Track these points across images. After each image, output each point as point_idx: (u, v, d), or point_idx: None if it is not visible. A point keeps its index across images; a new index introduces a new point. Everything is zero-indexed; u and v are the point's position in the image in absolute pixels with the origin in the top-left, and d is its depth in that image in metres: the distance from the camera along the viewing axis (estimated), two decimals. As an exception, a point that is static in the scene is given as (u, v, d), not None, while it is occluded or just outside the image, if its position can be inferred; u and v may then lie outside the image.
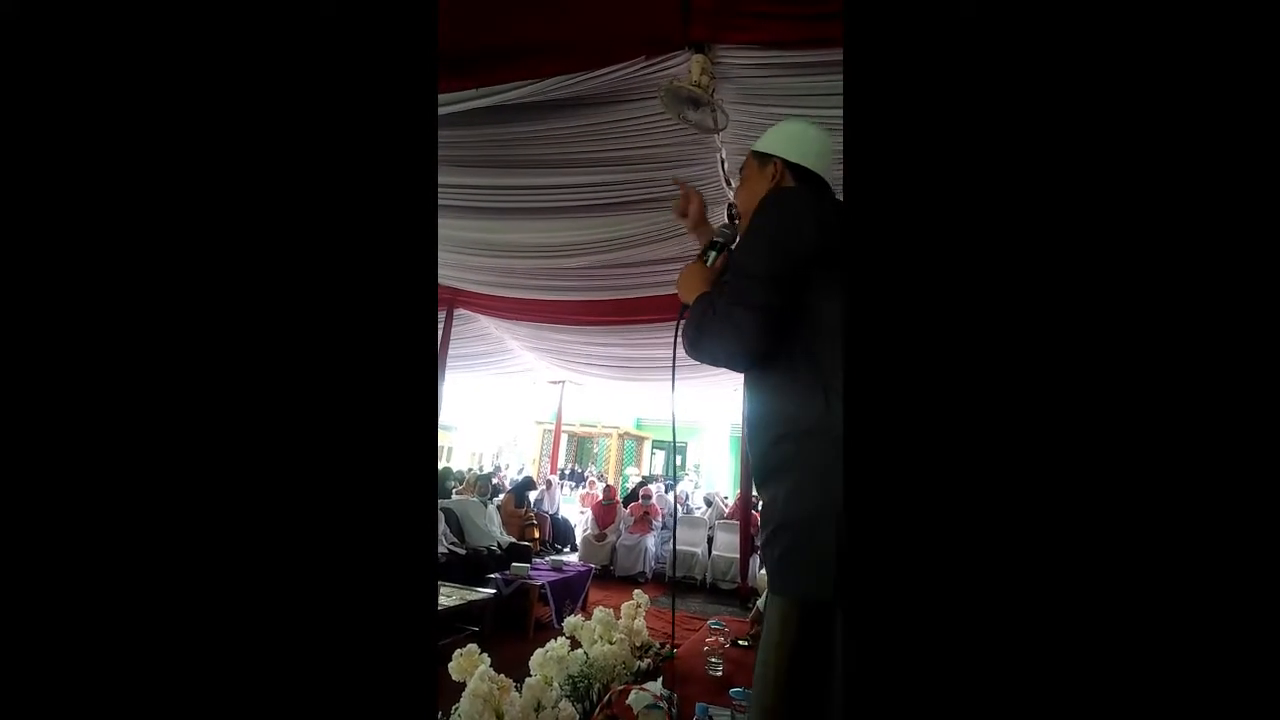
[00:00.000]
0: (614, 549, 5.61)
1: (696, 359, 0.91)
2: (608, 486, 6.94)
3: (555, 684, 1.61)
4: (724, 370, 0.99)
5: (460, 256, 3.35)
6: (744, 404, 0.96)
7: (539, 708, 1.46)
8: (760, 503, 0.94)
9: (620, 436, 12.80)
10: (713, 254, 1.04)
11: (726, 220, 1.09)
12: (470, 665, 1.38)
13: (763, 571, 0.93)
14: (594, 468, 13.42)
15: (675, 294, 1.09)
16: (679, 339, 0.95)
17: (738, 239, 0.98)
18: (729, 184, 2.36)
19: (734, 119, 1.86)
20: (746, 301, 0.84)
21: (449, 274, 3.80)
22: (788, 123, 1.06)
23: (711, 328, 0.86)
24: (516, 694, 1.43)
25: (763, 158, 1.04)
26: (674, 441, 1.15)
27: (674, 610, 1.18)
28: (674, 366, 1.10)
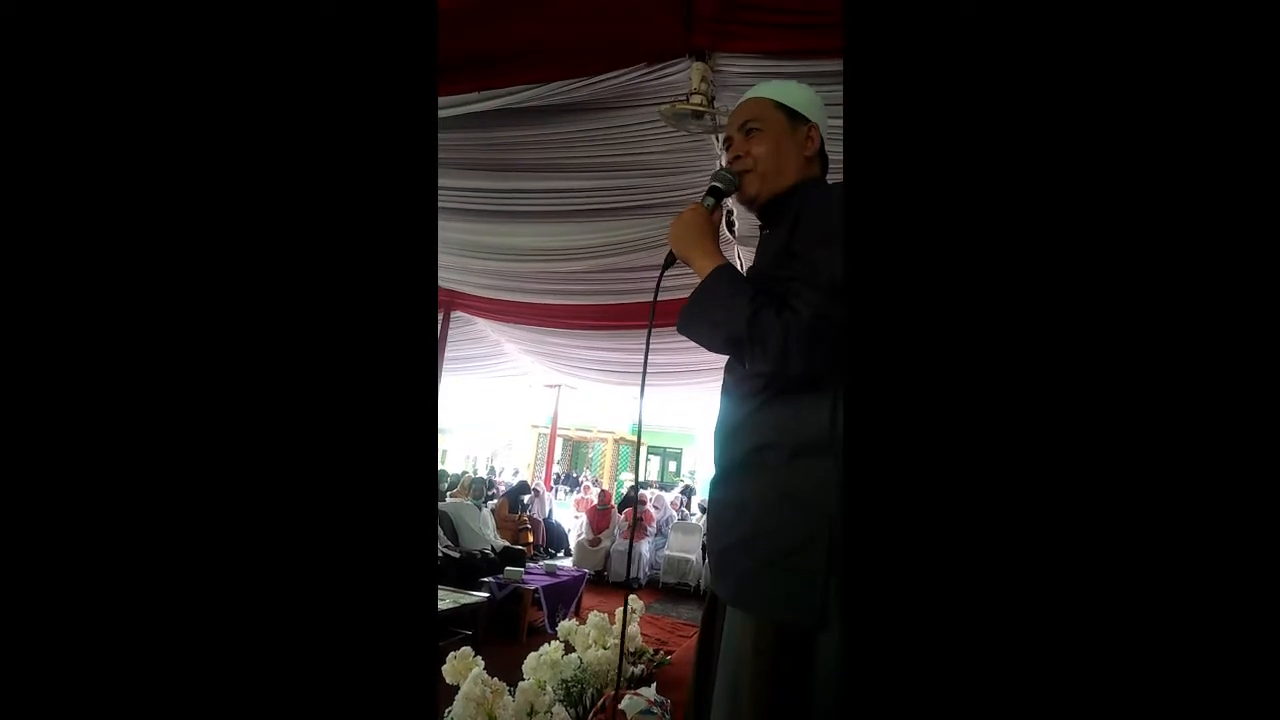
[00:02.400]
0: (608, 554, 5.59)
1: (718, 352, 0.79)
2: (603, 491, 6.92)
3: (549, 688, 1.61)
4: (717, 369, 0.93)
5: (458, 259, 3.35)
6: (725, 397, 0.86)
7: (532, 712, 1.46)
8: (714, 500, 0.84)
9: (616, 441, 12.77)
10: (711, 201, 0.88)
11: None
12: (464, 668, 1.37)
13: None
14: (589, 472, 13.39)
15: (674, 300, 1.00)
16: (680, 320, 0.81)
17: (805, 226, 0.78)
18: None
19: (734, 126, 1.87)
20: (830, 313, 0.69)
21: (447, 276, 3.80)
22: (804, 85, 0.91)
23: (775, 335, 0.70)
24: (509, 698, 1.43)
25: (794, 116, 0.87)
26: (640, 424, 1.03)
27: (624, 620, 1.15)
28: (647, 345, 0.99)
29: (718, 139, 2.03)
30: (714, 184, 0.89)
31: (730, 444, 0.82)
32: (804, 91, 0.90)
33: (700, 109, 1.62)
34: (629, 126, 2.04)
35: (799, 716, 0.69)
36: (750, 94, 0.92)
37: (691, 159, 2.24)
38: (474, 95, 1.78)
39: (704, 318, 0.78)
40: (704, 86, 1.66)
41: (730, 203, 0.96)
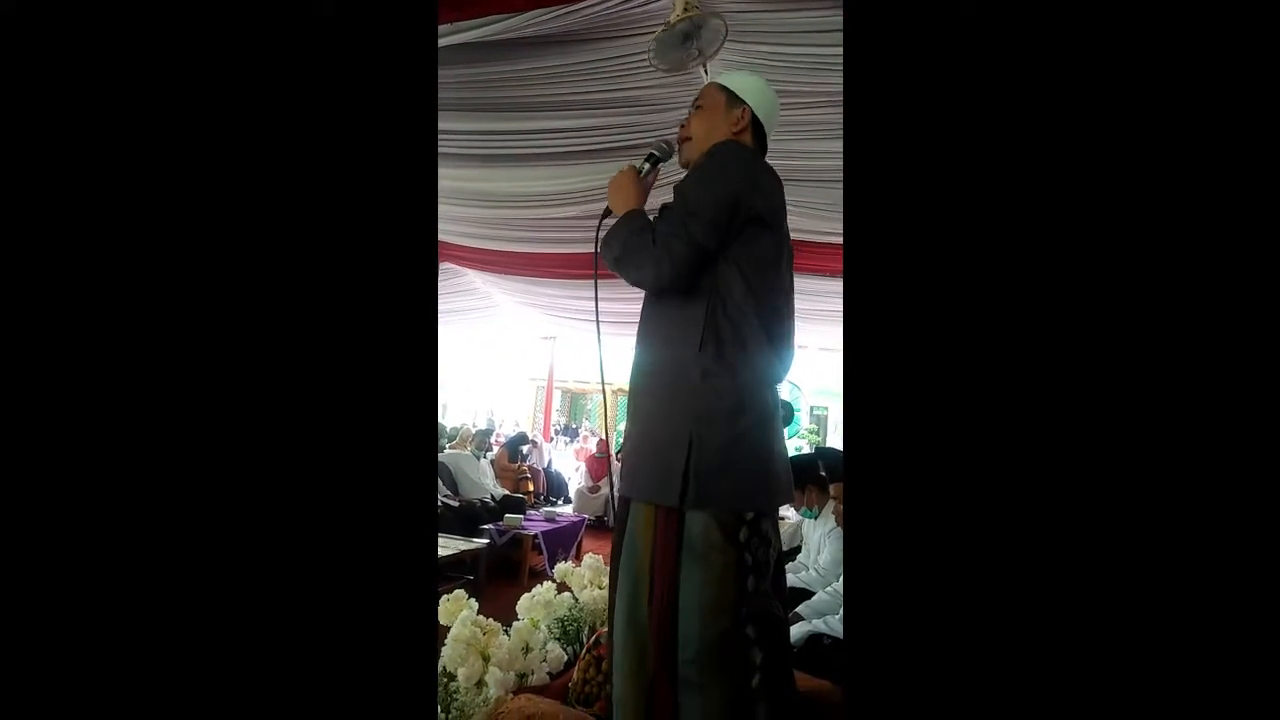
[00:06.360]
0: (606, 500, 5.69)
1: (615, 272, 1.01)
2: (600, 440, 6.99)
3: (543, 627, 1.65)
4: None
5: (443, 207, 3.27)
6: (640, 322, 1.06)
7: (527, 650, 1.49)
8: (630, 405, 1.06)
9: (614, 393, 12.83)
10: (647, 166, 1.09)
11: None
12: (456, 610, 1.40)
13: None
14: (588, 423, 13.51)
15: None
16: (599, 249, 1.03)
17: (691, 172, 1.01)
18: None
19: (721, 57, 1.78)
20: (687, 237, 0.91)
21: (434, 226, 3.72)
22: (757, 77, 1.10)
23: (645, 251, 0.94)
24: (505, 637, 1.46)
25: (733, 98, 1.06)
26: (601, 368, 1.33)
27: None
28: (596, 297, 1.22)
29: (705, 71, 1.94)
30: (651, 151, 1.11)
31: (638, 356, 1.02)
32: (749, 80, 1.08)
33: (688, 12, 1.55)
34: (612, 59, 1.95)
35: (674, 574, 0.90)
36: (709, 80, 1.13)
37: (678, 94, 2.15)
38: (445, 28, 1.69)
39: (605, 247, 1.01)
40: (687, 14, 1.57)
41: None
